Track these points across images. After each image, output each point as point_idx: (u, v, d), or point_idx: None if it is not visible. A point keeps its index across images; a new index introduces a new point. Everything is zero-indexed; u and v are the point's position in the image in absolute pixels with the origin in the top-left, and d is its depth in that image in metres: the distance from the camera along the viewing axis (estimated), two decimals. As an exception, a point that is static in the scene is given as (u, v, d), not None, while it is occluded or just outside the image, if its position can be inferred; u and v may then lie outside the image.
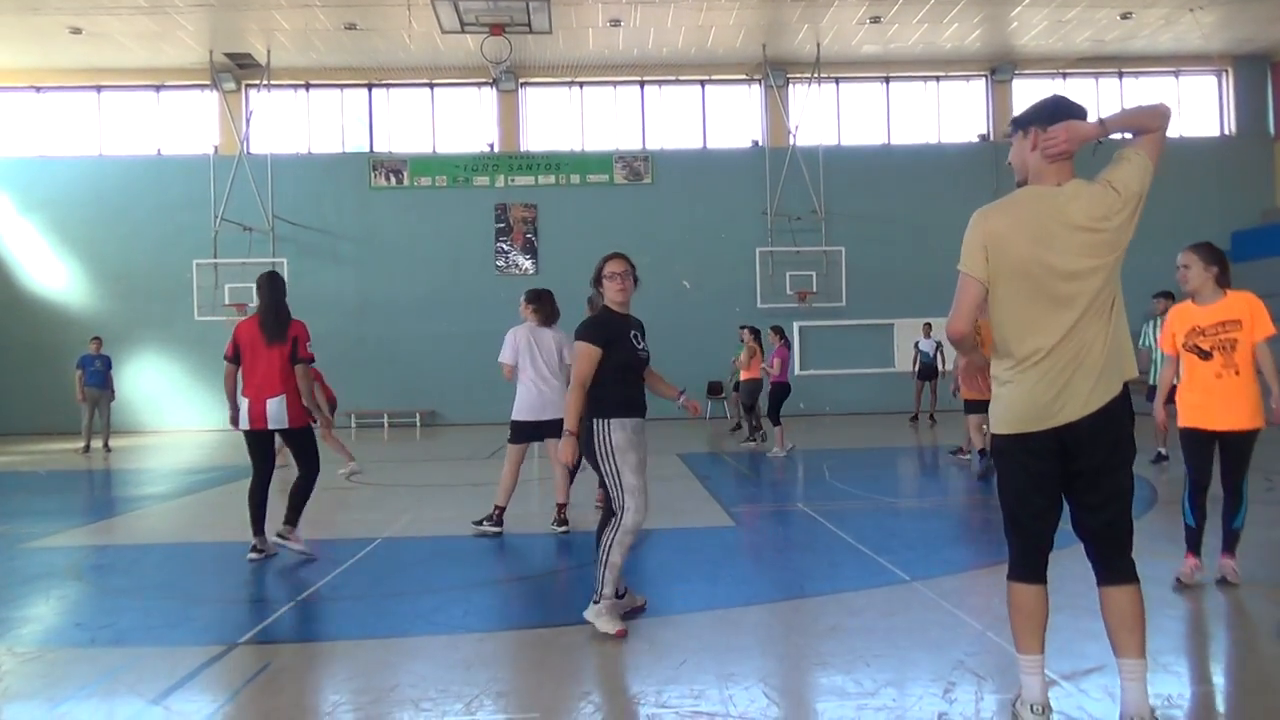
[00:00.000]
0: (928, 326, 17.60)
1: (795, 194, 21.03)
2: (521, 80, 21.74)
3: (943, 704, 3.37)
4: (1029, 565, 3.12)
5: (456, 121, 22.05)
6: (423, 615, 4.85)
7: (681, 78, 21.90)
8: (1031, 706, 3.08)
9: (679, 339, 17.43)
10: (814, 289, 20.49)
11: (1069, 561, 5.45)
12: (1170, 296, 10.80)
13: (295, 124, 21.86)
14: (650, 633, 4.36)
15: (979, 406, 9.47)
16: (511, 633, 4.60)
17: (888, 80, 22.17)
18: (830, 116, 21.92)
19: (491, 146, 21.73)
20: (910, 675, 3.71)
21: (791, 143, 21.22)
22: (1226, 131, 22.94)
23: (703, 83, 21.99)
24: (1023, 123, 3.13)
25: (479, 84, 21.71)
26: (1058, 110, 3.06)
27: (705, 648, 4.16)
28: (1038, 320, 2.94)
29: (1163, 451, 10.08)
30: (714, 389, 19.59)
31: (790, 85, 21.73)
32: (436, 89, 21.97)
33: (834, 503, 8.30)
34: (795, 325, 19.80)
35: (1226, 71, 22.76)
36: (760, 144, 21.67)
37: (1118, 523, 3.00)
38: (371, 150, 21.79)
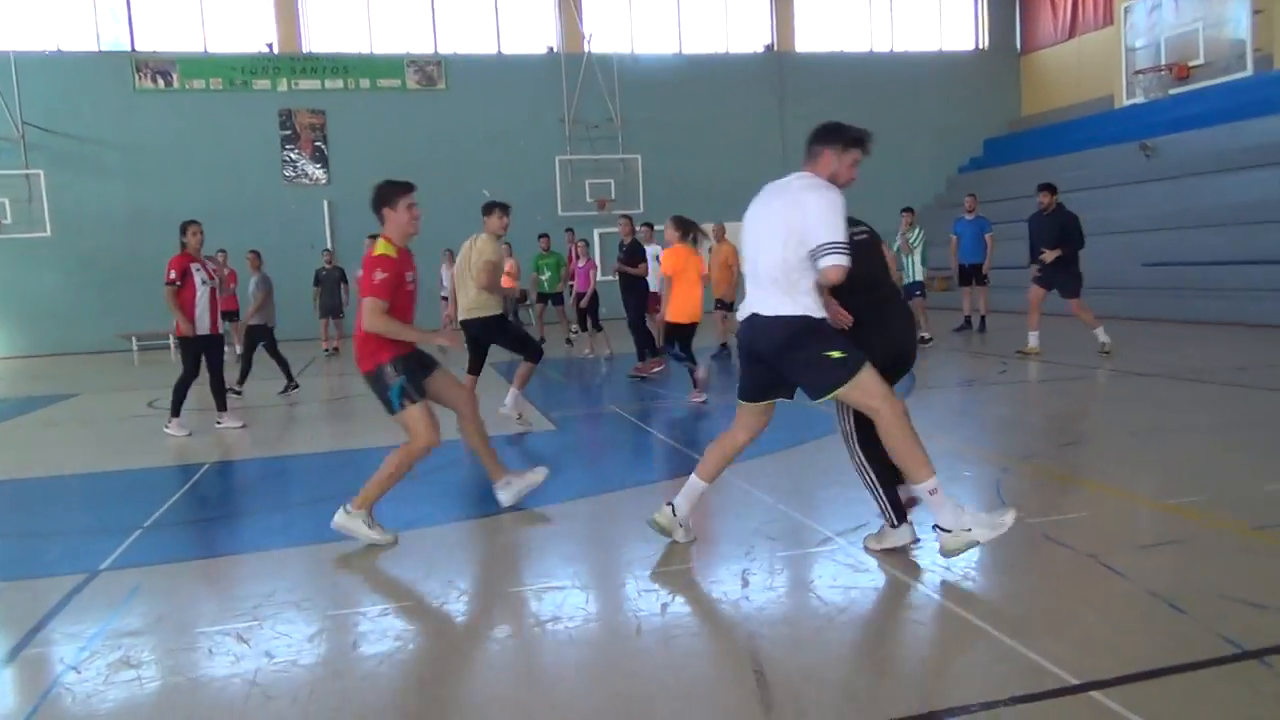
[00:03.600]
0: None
1: (592, 102, 21.34)
2: (302, -25, 20.52)
3: (745, 562, 4.11)
4: None
5: (230, 18, 20.55)
6: (277, 530, 5.14)
7: (473, -21, 21.39)
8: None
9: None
10: (613, 196, 21.05)
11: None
12: (912, 211, 12.87)
13: (41, 17, 19.65)
14: (488, 530, 4.89)
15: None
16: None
17: (680, -15, 22.63)
18: (624, 23, 22.18)
19: (270, 47, 20.49)
20: (718, 544, 4.45)
21: (587, 50, 21.36)
22: (981, 45, 25.11)
23: (494, -16, 21.61)
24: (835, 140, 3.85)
25: (254, -22, 20.28)
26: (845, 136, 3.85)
27: (548, 536, 4.75)
28: None
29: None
30: (520, 297, 19.91)
31: (584, -11, 21.76)
32: (206, -18, 20.33)
33: (642, 404, 9.04)
34: (595, 232, 20.34)
35: (981, -12, 24.81)
36: (556, 51, 21.67)
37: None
38: (134, 49, 20.00)
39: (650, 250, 12.64)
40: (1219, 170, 15.93)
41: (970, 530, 3.66)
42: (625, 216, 11.63)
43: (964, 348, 12.23)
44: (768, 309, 3.78)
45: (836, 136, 3.86)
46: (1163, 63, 12.44)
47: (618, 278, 11.40)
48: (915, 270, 12.66)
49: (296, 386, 10.90)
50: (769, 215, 3.84)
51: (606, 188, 21.15)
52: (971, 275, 13.96)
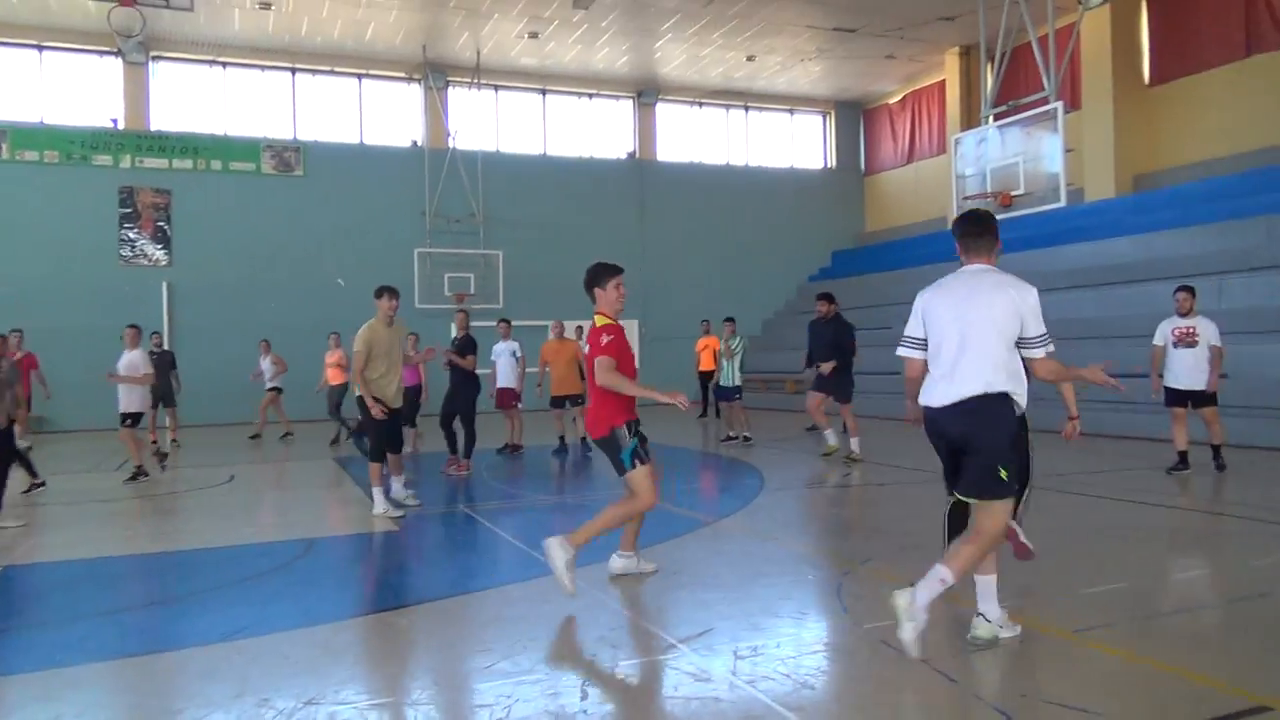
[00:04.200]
0: (580, 329, 18.72)
1: (455, 197, 21.38)
2: (154, 53, 19.95)
3: (586, 672, 3.97)
4: None
5: (72, 91, 19.66)
6: (73, 644, 4.63)
7: (338, 69, 21.33)
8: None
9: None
10: (472, 290, 20.94)
11: (694, 544, 6.41)
12: (733, 320, 13.58)
13: None
14: (323, 639, 4.56)
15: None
16: (171, 653, 4.54)
17: (544, 93, 23.21)
18: (490, 123, 22.51)
19: (115, 122, 19.66)
20: (560, 652, 4.29)
21: (451, 145, 21.51)
22: (829, 165, 26.75)
23: (360, 76, 21.59)
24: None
25: (101, 52, 19.54)
26: None
27: (383, 646, 4.47)
28: None
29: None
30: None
31: (450, 88, 22.01)
32: (46, 52, 19.44)
33: (493, 503, 8.81)
34: (453, 326, 20.02)
35: (829, 114, 26.57)
36: (420, 144, 21.72)
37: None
38: (-41, 115, 18.80)
39: (506, 346, 12.59)
40: (1043, 289, 17.24)
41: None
42: (462, 311, 11.52)
43: (815, 449, 12.59)
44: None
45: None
46: (988, 190, 13.51)
47: (449, 371, 11.03)
48: (734, 375, 13.19)
49: (42, 485, 9.57)
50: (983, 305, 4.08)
51: (466, 282, 21.04)
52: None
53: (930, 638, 4.37)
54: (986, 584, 4.14)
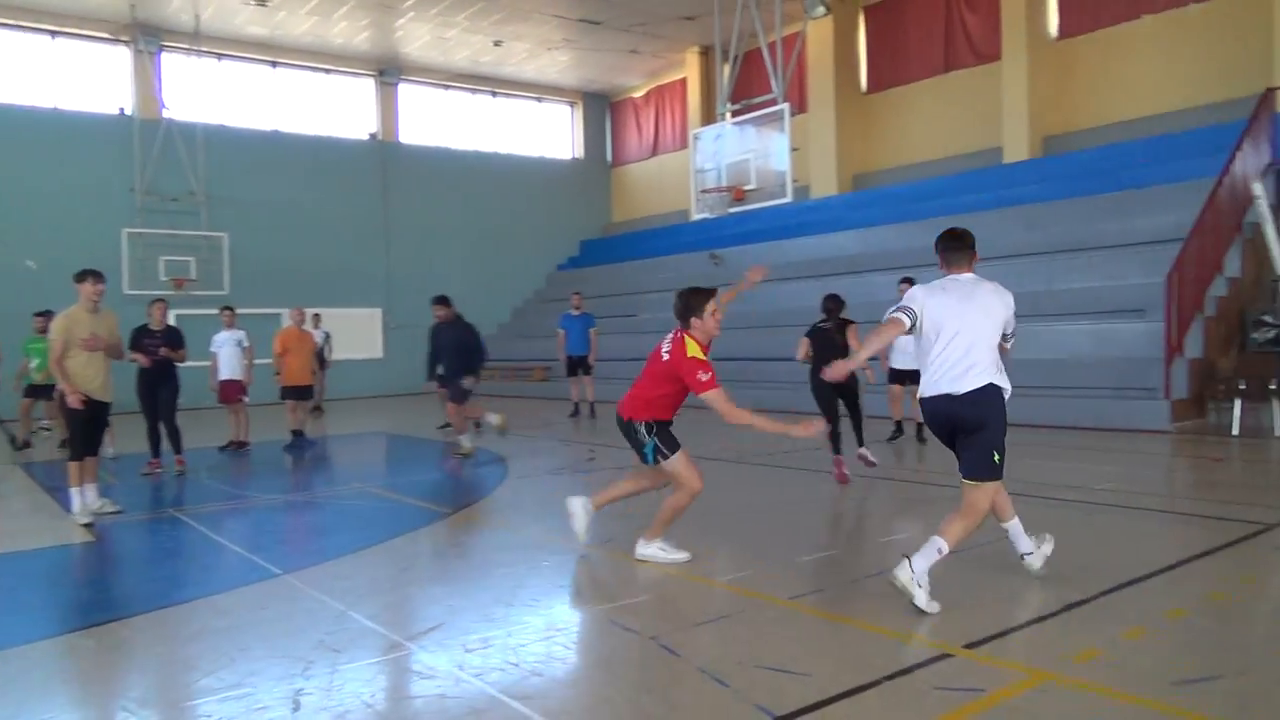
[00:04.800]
0: (316, 317, 17.76)
1: (171, 173, 19.52)
2: None
3: (301, 680, 3.68)
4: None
5: None
6: None
7: (26, 24, 18.77)
8: None
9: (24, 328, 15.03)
10: (193, 275, 19.23)
11: (428, 537, 6.19)
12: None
13: None
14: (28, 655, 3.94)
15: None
16: None
17: (275, 65, 21.71)
18: (213, 94, 20.71)
19: None
20: (273, 662, 3.96)
21: (165, 116, 19.60)
22: (577, 155, 27.02)
23: (53, 33, 19.14)
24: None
25: None
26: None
27: (61, 673, 3.92)
28: None
29: None
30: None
31: (165, 53, 20.04)
32: None
33: (211, 505, 8.10)
34: (173, 314, 18.29)
35: (577, 104, 26.81)
36: (129, 113, 19.60)
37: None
38: None
39: (230, 336, 11.67)
40: (772, 279, 18.39)
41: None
42: (160, 301, 10.07)
43: (570, 435, 12.66)
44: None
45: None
46: (724, 185, 14.13)
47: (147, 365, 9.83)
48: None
49: None
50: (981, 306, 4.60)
51: (186, 266, 19.23)
52: (578, 366, 15.09)
53: (656, 613, 4.47)
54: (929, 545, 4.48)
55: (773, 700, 3.29)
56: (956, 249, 4.76)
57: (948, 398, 4.52)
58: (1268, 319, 11.33)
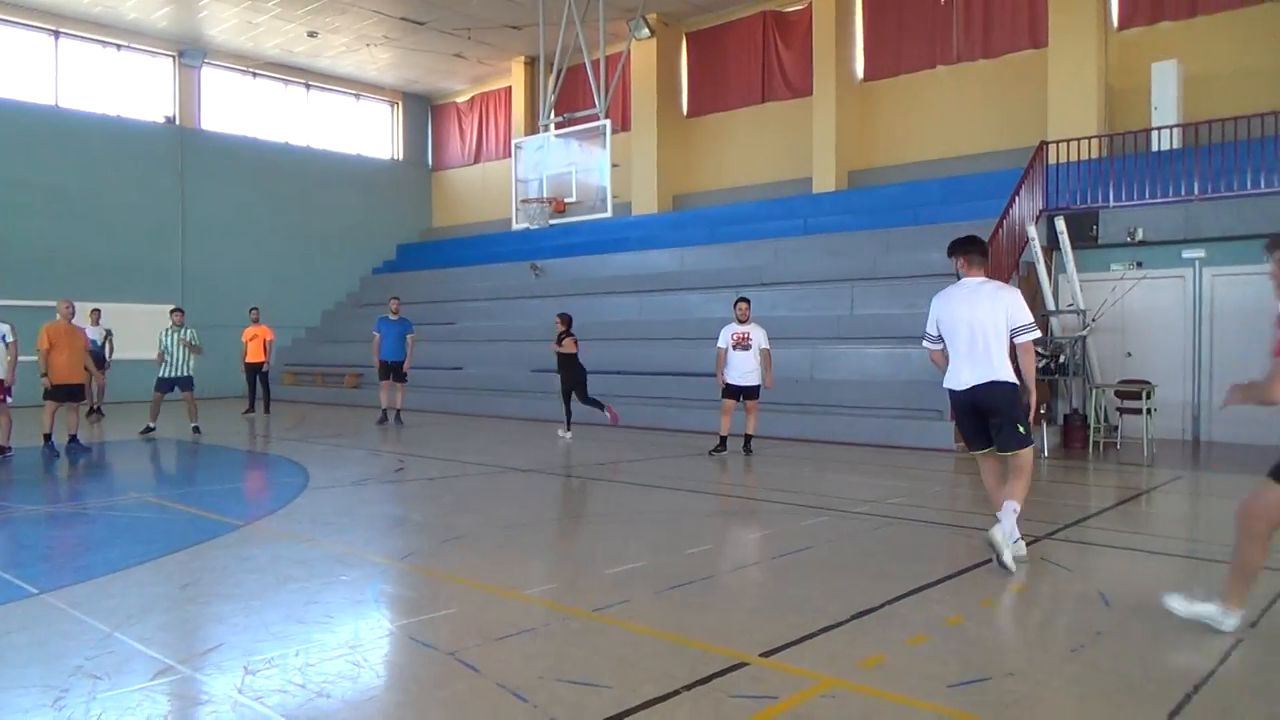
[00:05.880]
0: (95, 313, 16.33)
1: (-74, 145, 17.42)
2: None
3: (51, 712, 3.30)
4: None
5: None
6: None
7: None
8: None
9: None
10: (-50, 261, 17.22)
11: (216, 551, 5.78)
12: (182, 311, 13.57)
13: None
14: None
15: None
16: None
17: (58, 35, 19.85)
18: (-19, 60, 18.68)
19: None
20: (18, 693, 3.53)
21: (-77, 81, 17.51)
22: (396, 156, 26.26)
23: None
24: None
25: None
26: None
27: None
28: None
29: None
30: None
31: (-74, 11, 17.92)
32: None
33: (-43, 515, 7.21)
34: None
35: (397, 104, 26.07)
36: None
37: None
38: None
39: (-4, 329, 10.53)
40: (592, 293, 18.53)
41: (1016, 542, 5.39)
42: None
43: (379, 444, 12.16)
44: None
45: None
46: (545, 196, 14.09)
47: None
48: (188, 365, 13.51)
49: None
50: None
51: (-59, 250, 17.21)
52: (391, 371, 14.75)
53: (457, 627, 4.33)
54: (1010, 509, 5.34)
55: (571, 715, 3.25)
56: (981, 252, 5.49)
57: (971, 389, 5.36)
58: (1040, 350, 12.45)
